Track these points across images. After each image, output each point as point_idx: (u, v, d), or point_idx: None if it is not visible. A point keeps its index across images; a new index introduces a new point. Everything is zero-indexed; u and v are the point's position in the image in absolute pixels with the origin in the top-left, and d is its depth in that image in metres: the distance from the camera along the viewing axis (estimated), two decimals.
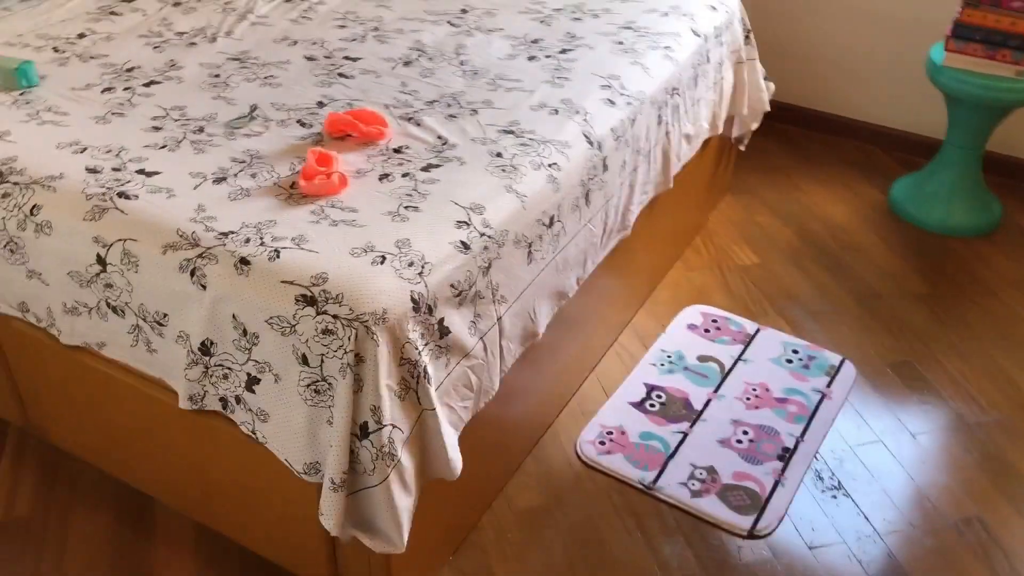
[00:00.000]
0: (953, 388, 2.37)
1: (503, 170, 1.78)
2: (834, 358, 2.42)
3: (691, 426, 2.19)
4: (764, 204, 3.09)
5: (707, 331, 2.50)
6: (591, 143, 1.95)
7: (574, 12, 2.48)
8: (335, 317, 1.45)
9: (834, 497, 2.05)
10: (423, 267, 1.54)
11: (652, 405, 2.25)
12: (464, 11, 2.46)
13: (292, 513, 1.67)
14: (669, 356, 2.40)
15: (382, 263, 1.52)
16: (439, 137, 1.88)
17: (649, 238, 2.44)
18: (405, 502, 1.53)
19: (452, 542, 1.92)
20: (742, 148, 2.94)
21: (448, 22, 2.39)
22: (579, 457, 2.12)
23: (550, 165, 1.84)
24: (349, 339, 1.44)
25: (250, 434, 1.60)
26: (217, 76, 2.08)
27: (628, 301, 2.53)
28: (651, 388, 2.30)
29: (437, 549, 1.86)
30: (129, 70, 2.09)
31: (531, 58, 2.22)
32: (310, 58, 2.18)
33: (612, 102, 2.07)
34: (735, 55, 2.66)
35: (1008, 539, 1.97)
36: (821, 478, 2.10)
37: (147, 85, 2.03)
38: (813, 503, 2.04)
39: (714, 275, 2.75)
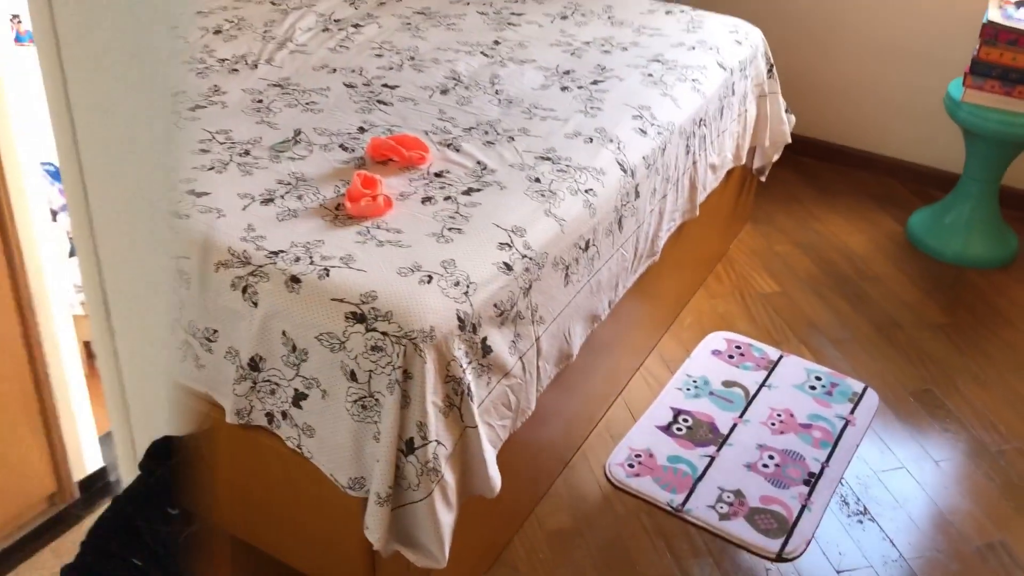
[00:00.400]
0: (974, 416, 2.40)
1: (542, 195, 1.84)
2: (857, 385, 2.46)
3: (718, 450, 2.23)
4: (783, 234, 3.14)
5: (731, 357, 2.54)
6: (624, 170, 2.01)
7: (603, 45, 2.55)
8: (384, 334, 1.49)
9: (860, 522, 2.08)
10: (468, 287, 1.58)
11: (679, 429, 2.28)
12: (496, 43, 2.53)
13: (332, 528, 1.70)
14: (694, 381, 2.44)
15: (429, 282, 1.57)
16: (478, 162, 1.93)
17: (674, 265, 2.49)
18: (447, 518, 1.57)
19: (485, 561, 1.94)
20: (763, 179, 2.99)
21: (482, 53, 2.46)
22: (608, 479, 2.16)
23: (586, 191, 1.89)
24: (398, 356, 1.48)
25: (295, 449, 1.63)
26: (260, 101, 2.15)
27: (654, 326, 2.57)
28: (678, 412, 2.34)
29: (471, 567, 1.89)
30: (174, 95, 2.15)
31: (564, 88, 2.28)
32: (349, 85, 2.25)
33: (644, 131, 2.13)
34: (758, 88, 2.73)
35: None
36: (847, 503, 2.13)
37: (192, 109, 2.09)
38: (839, 527, 2.06)
39: (736, 302, 2.79)
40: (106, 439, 2.13)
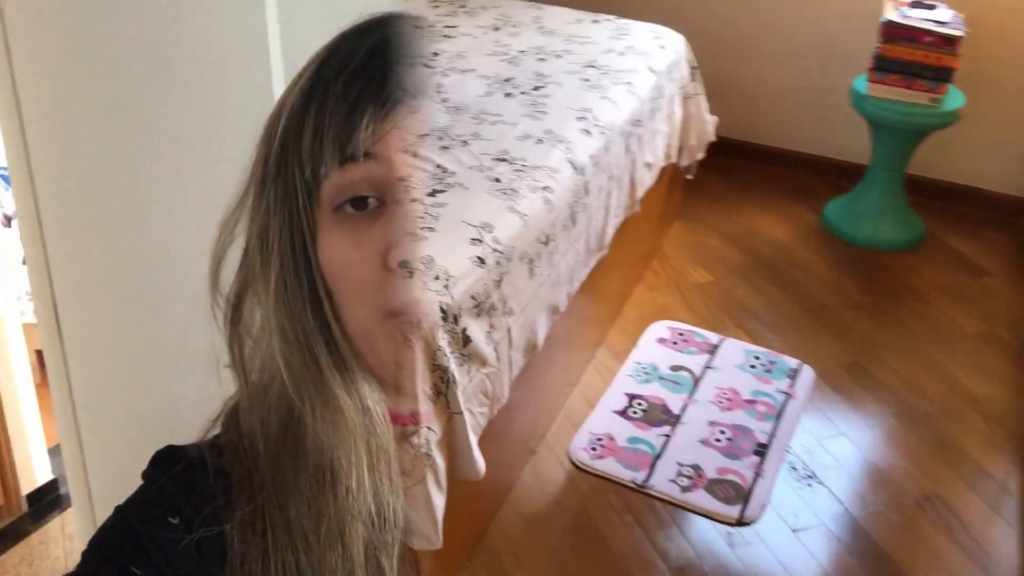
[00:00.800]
0: (900, 383, 2.60)
1: (504, 193, 1.94)
2: (792, 362, 2.63)
3: (672, 429, 2.36)
4: (711, 228, 3.32)
5: (675, 343, 2.68)
6: (576, 169, 2.13)
7: (538, 53, 2.67)
8: None
9: (809, 485, 2.24)
10: (448, 280, 1.67)
11: (635, 412, 2.41)
12: (435, 54, 2.62)
13: None
14: (644, 368, 2.57)
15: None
16: (438, 166, 2.02)
17: (617, 261, 2.62)
18: (439, 500, 1.65)
19: (466, 548, 2.02)
20: (690, 176, 3.16)
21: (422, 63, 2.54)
22: (573, 463, 2.26)
23: (544, 188, 2.00)
24: None
25: None
26: None
27: (601, 321, 2.69)
28: (632, 397, 2.46)
29: (454, 554, 1.96)
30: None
31: (507, 95, 2.40)
32: None
33: (588, 132, 2.26)
34: (683, 90, 2.89)
35: (964, 511, 2.18)
36: (795, 469, 2.28)
37: None
38: (791, 491, 2.22)
39: (674, 293, 2.94)
40: (56, 451, 2.11)
